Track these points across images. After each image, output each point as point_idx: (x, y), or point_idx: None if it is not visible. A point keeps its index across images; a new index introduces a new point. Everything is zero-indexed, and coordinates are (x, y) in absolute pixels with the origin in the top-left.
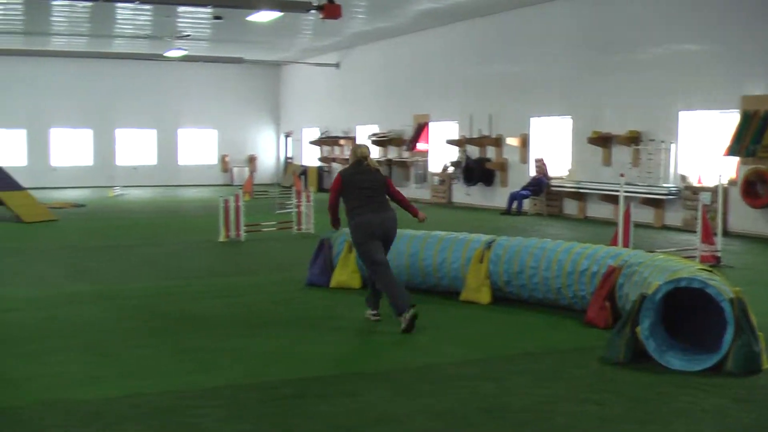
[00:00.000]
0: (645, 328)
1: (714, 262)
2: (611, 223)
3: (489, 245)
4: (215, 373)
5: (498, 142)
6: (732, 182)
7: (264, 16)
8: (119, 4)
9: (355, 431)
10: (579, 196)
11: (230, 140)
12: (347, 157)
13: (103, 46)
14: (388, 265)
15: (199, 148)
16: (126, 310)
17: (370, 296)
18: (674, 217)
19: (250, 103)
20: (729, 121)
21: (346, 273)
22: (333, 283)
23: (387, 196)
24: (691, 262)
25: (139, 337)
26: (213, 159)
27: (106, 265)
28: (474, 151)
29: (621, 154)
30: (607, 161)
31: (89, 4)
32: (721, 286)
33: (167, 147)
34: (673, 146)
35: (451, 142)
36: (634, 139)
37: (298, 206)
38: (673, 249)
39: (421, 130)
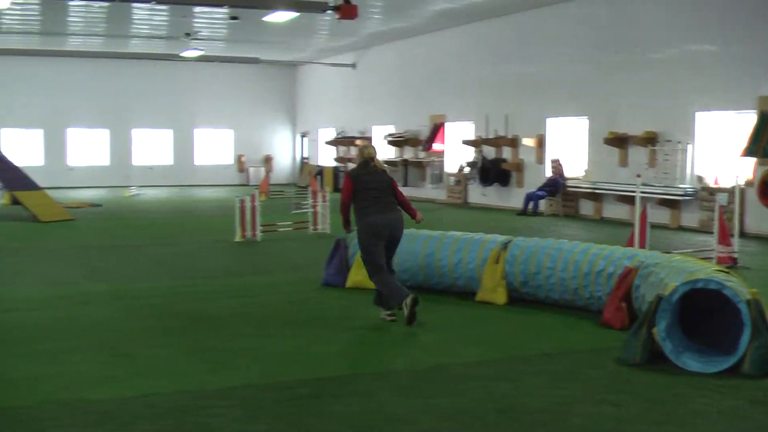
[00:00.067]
0: (662, 329)
1: (730, 264)
2: (627, 224)
3: (505, 246)
4: (230, 373)
5: (514, 142)
6: (749, 183)
7: (280, 17)
8: (135, 5)
9: (370, 431)
10: (595, 197)
11: (246, 140)
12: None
13: (119, 47)
14: (386, 269)
15: (215, 148)
16: (141, 309)
17: (378, 297)
18: (690, 218)
19: (266, 103)
20: (746, 121)
21: (362, 273)
22: (349, 283)
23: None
24: (708, 264)
25: (154, 336)
26: (229, 159)
27: (122, 264)
28: (490, 152)
29: (637, 154)
30: (624, 162)
31: (105, 4)
32: (738, 288)
33: (183, 147)
34: (689, 147)
35: (467, 142)
36: (650, 140)
37: (314, 206)
38: (689, 250)
39: (437, 130)
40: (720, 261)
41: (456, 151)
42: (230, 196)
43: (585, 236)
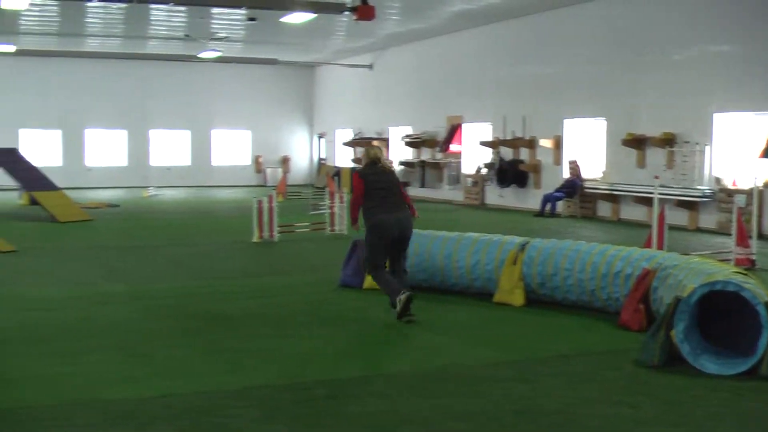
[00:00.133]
0: (679, 331)
1: (749, 265)
2: (645, 226)
3: (522, 247)
4: (248, 374)
5: (531, 143)
6: (767, 185)
7: (298, 18)
8: (153, 6)
9: None
10: (613, 198)
11: (264, 141)
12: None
13: (137, 48)
14: (384, 267)
15: (232, 149)
16: (159, 310)
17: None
18: (709, 219)
19: (283, 104)
20: (764, 122)
21: None
22: (366, 284)
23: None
24: (726, 265)
25: (172, 337)
26: (247, 160)
27: (140, 265)
28: (507, 153)
29: (655, 156)
30: (641, 163)
31: (124, 5)
32: (756, 290)
33: (201, 148)
34: (707, 148)
35: (484, 143)
36: (668, 141)
37: (331, 207)
38: (707, 252)
39: (454, 131)
40: (738, 263)
41: (473, 153)
42: (248, 197)
43: (603, 238)
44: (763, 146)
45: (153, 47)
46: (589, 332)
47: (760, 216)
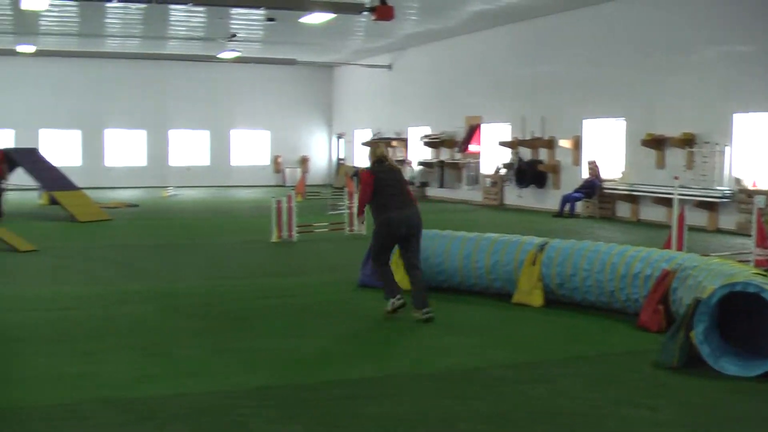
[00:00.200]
0: (699, 332)
1: None
2: (664, 227)
3: (542, 248)
4: (267, 373)
5: (550, 144)
6: None
7: (316, 18)
8: (173, 6)
9: None
10: (632, 199)
11: (283, 141)
12: (400, 158)
13: (156, 48)
14: (389, 263)
15: (251, 149)
16: (178, 309)
17: (414, 296)
18: (728, 220)
19: (302, 104)
20: None
21: (398, 274)
22: None
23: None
24: (746, 266)
25: (191, 336)
26: (265, 160)
27: (159, 264)
28: (526, 153)
29: (675, 156)
30: (661, 164)
31: (143, 6)
32: None
33: (220, 148)
34: (727, 149)
35: (503, 143)
36: (688, 142)
37: (349, 207)
38: (727, 253)
39: (473, 131)
40: (758, 264)
41: (492, 153)
42: (266, 197)
43: (622, 238)
44: None
45: (172, 47)
46: (608, 333)
47: None
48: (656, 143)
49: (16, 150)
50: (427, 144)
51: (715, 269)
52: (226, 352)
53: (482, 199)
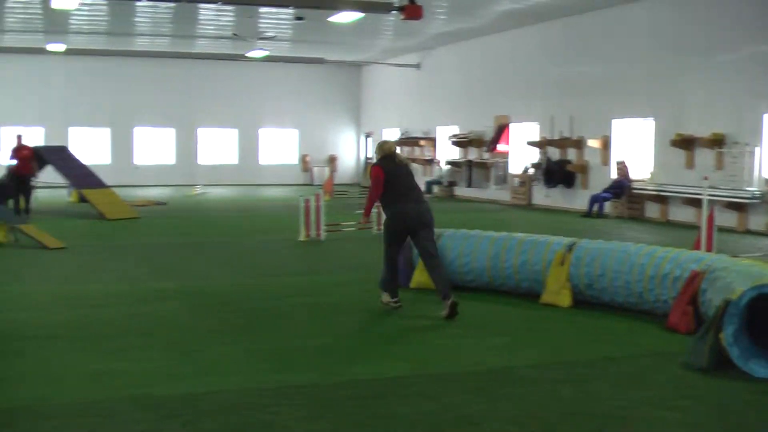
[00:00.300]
0: (729, 334)
1: None
2: (693, 227)
3: (570, 248)
4: (294, 372)
5: (579, 143)
6: None
7: (345, 17)
8: (202, 5)
9: None
10: (661, 200)
11: (311, 140)
12: (428, 157)
13: (185, 47)
14: (397, 261)
15: (280, 147)
16: (206, 307)
17: (437, 287)
18: (758, 221)
19: (330, 103)
20: None
21: (426, 273)
22: (413, 283)
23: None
24: None
25: (219, 334)
26: (294, 159)
27: (187, 262)
28: (555, 153)
29: (704, 156)
30: (690, 164)
31: (172, 5)
32: None
33: (248, 146)
34: (757, 149)
35: (531, 143)
36: (717, 142)
37: (377, 207)
38: (757, 254)
39: (501, 131)
40: None
41: (520, 153)
42: (294, 196)
43: (650, 239)
44: None
45: (201, 46)
46: (636, 334)
47: None
48: (685, 143)
49: (45, 148)
50: (455, 143)
51: (744, 270)
52: (254, 350)
53: (510, 199)
